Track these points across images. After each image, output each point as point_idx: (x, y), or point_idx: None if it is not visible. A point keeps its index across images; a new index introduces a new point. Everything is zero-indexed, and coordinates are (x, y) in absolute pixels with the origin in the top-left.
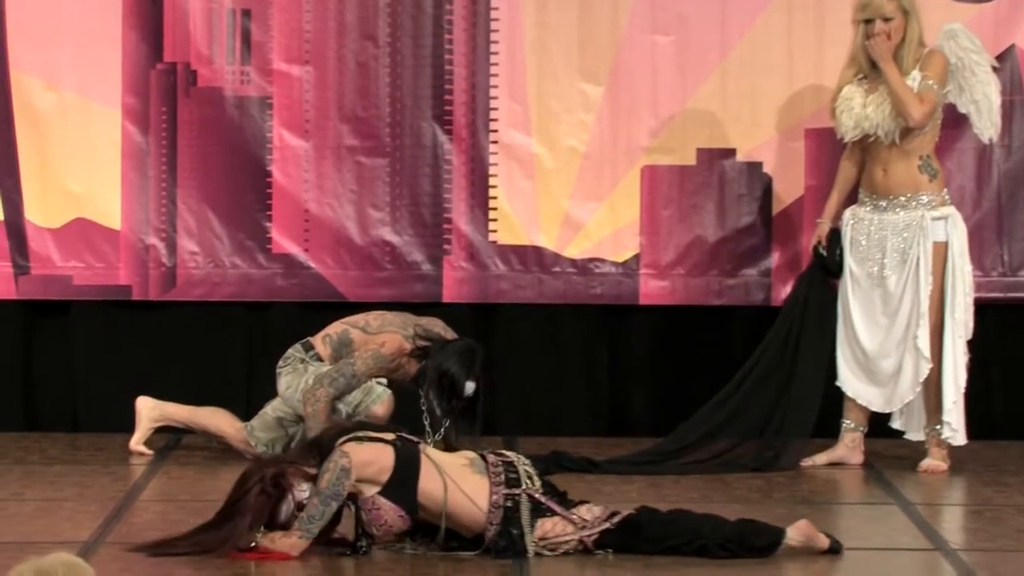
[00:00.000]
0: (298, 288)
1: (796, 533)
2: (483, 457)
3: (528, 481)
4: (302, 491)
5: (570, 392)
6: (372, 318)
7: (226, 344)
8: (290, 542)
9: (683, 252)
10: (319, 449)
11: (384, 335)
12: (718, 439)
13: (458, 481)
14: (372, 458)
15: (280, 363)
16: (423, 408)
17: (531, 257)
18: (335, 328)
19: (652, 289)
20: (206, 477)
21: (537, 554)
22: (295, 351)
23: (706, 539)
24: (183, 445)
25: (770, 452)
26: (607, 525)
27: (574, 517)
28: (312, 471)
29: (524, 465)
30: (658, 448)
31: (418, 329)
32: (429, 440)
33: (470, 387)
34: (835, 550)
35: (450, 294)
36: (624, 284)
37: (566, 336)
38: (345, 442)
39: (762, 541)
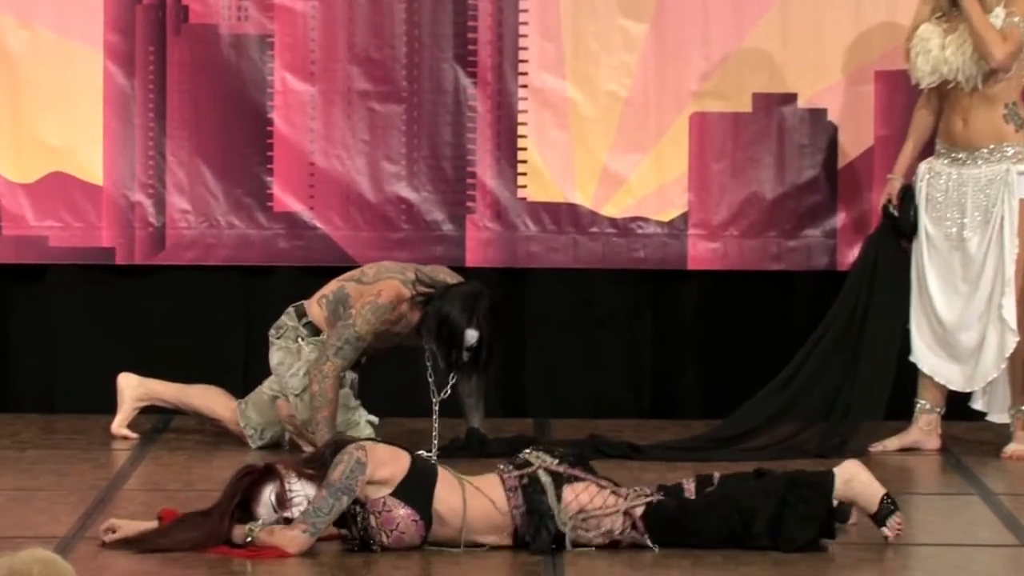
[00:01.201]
0: (302, 251)
1: (844, 473)
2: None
3: (539, 458)
4: (289, 483)
5: (609, 369)
6: (368, 269)
7: (221, 314)
8: (291, 535)
9: (737, 210)
10: (323, 456)
11: (380, 283)
12: (779, 424)
13: (474, 481)
14: (388, 458)
15: (272, 331)
16: (427, 363)
17: (565, 216)
18: (331, 287)
19: (702, 252)
20: (198, 464)
21: (576, 543)
22: (288, 318)
23: (752, 514)
24: (172, 428)
25: (836, 437)
26: (653, 498)
27: (604, 482)
28: (310, 471)
29: (534, 451)
30: (713, 434)
31: (419, 274)
32: (435, 399)
33: (471, 336)
34: (885, 514)
35: (474, 257)
36: (670, 247)
37: (604, 305)
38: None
39: (812, 494)
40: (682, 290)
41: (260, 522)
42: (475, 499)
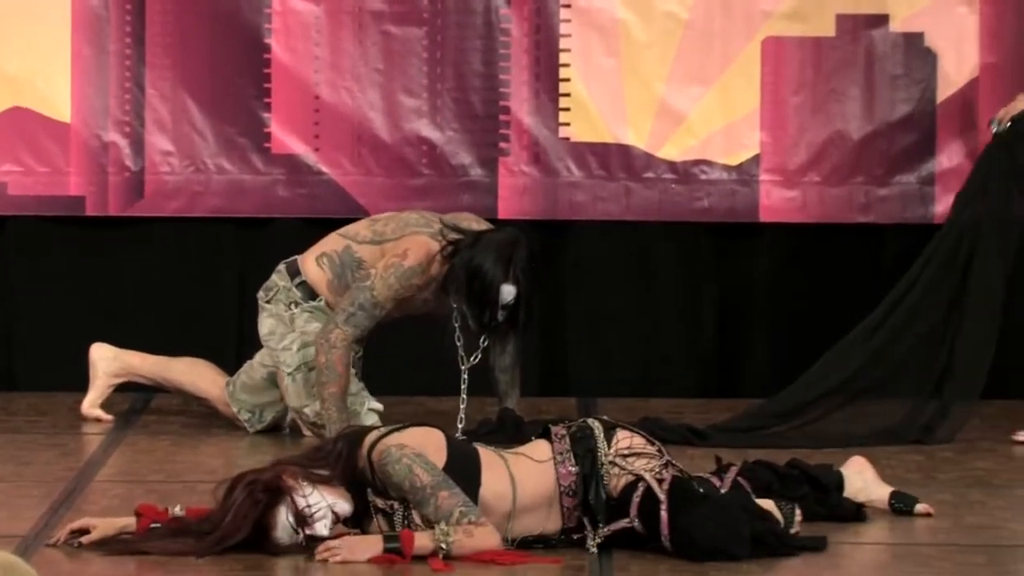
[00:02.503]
0: (306, 200)
1: (852, 472)
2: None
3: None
4: (304, 496)
5: (667, 339)
6: (382, 224)
7: (210, 275)
8: (487, 530)
9: (817, 153)
10: (336, 452)
11: (405, 240)
12: (843, 399)
13: (522, 450)
14: (422, 440)
15: (261, 294)
16: (455, 324)
17: (615, 159)
18: (332, 244)
19: (776, 201)
20: (183, 451)
21: (606, 486)
22: (279, 277)
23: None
24: (152, 408)
25: (923, 418)
26: (680, 473)
27: (657, 444)
28: (323, 473)
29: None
30: (767, 409)
31: (444, 221)
32: (464, 366)
33: (508, 292)
34: (901, 509)
35: (508, 208)
36: (739, 195)
37: (661, 265)
38: (380, 439)
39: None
40: (753, 247)
41: (445, 527)
42: (518, 466)
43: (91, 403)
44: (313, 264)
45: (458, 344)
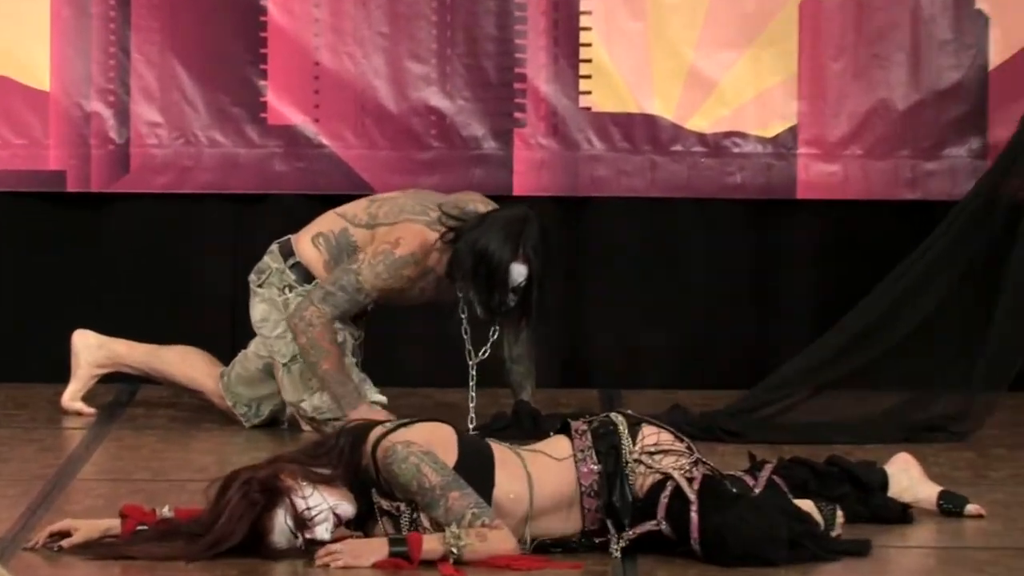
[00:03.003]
0: (305, 175)
1: (897, 469)
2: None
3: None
4: (304, 497)
5: (696, 326)
6: (378, 205)
7: (201, 256)
8: (502, 534)
9: (860, 123)
10: (338, 449)
11: (398, 228)
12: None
13: (539, 447)
14: (430, 436)
15: (253, 276)
16: (461, 314)
17: (640, 130)
18: (328, 223)
19: (815, 177)
20: (172, 447)
21: (631, 484)
22: (271, 258)
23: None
24: (138, 400)
25: (952, 407)
26: (711, 472)
27: (686, 441)
28: (324, 472)
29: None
30: (756, 398)
31: (445, 207)
32: (472, 361)
33: (518, 272)
34: (950, 510)
35: (523, 183)
36: (775, 170)
37: (690, 245)
38: (385, 435)
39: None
40: (790, 225)
41: (456, 530)
42: (535, 465)
43: (72, 395)
44: (308, 244)
45: (465, 337)
